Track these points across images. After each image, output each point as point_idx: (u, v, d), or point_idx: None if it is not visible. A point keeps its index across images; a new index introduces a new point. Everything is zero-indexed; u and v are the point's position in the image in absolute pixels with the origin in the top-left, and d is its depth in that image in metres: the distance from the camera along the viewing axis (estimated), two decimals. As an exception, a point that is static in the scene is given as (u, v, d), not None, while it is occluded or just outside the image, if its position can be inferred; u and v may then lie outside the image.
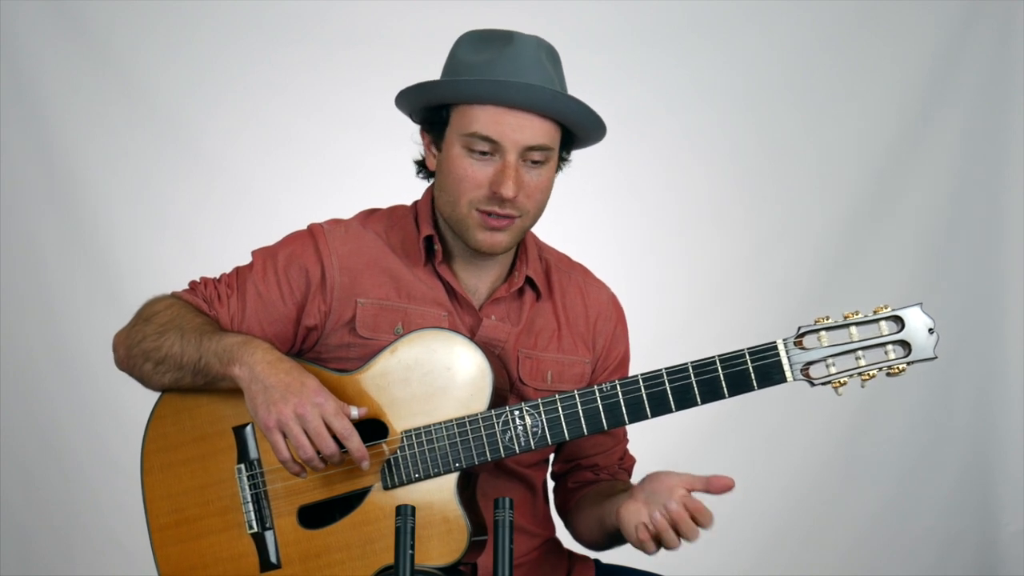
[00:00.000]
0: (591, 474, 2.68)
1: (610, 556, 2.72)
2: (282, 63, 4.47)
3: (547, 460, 2.70)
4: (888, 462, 4.58)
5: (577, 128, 2.50)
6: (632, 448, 2.79)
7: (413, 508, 2.05)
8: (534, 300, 2.61)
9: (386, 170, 2.74)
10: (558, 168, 2.54)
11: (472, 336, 2.51)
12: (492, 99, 2.39)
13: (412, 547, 2.03)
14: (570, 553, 2.72)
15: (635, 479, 2.75)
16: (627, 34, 4.57)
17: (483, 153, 2.42)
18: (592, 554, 2.72)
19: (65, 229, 4.38)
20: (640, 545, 2.38)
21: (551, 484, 2.77)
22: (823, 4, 4.55)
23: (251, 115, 4.46)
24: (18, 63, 4.32)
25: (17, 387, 4.34)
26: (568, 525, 2.72)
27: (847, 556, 4.55)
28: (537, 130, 2.42)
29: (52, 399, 4.37)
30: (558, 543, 2.72)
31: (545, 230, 2.79)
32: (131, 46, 4.41)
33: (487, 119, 2.40)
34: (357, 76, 4.39)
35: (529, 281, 2.60)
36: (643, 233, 4.57)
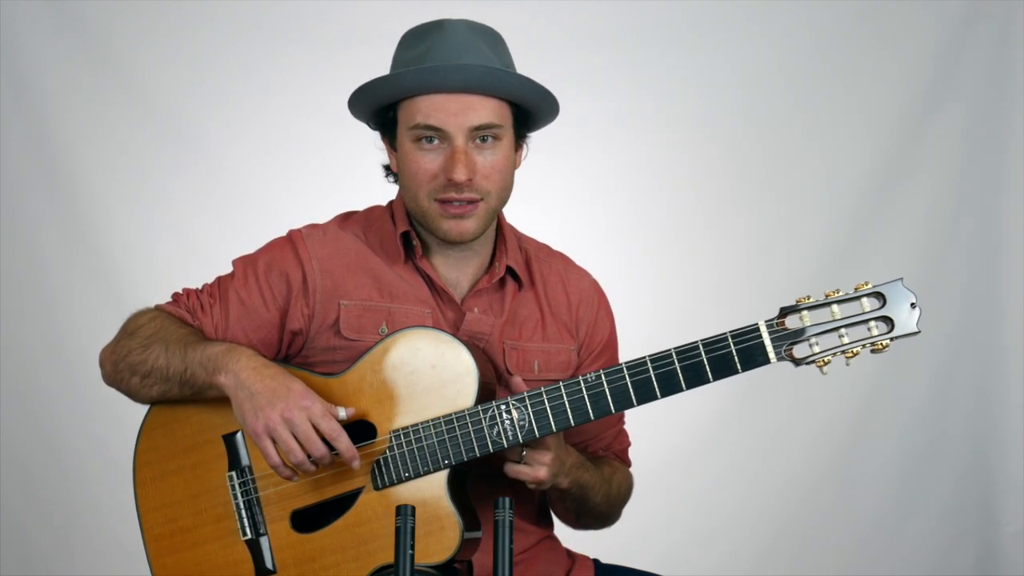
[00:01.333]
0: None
1: (610, 556, 2.72)
2: (282, 63, 4.47)
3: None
4: (888, 463, 4.58)
5: (523, 102, 2.50)
6: (633, 450, 2.78)
7: (413, 508, 2.05)
8: (516, 290, 2.62)
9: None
10: (519, 146, 2.55)
11: (456, 330, 2.52)
12: (424, 87, 2.41)
13: (412, 547, 2.03)
14: (569, 552, 2.71)
15: (634, 469, 2.77)
16: (627, 34, 4.57)
17: (430, 141, 2.44)
18: (591, 553, 2.72)
19: (65, 229, 4.38)
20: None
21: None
22: (823, 4, 4.54)
23: (251, 115, 4.47)
24: (18, 63, 4.33)
25: (17, 387, 4.34)
26: (549, 503, 2.71)
27: (847, 557, 4.55)
28: (480, 110, 2.43)
29: (52, 399, 4.37)
30: (556, 541, 2.71)
31: (542, 229, 2.79)
32: (131, 46, 4.42)
33: (428, 108, 2.42)
34: (357, 76, 4.36)
35: (510, 271, 2.60)
36: (641, 233, 4.57)
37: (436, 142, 2.44)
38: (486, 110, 2.43)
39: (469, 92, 2.42)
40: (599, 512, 2.64)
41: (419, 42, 2.46)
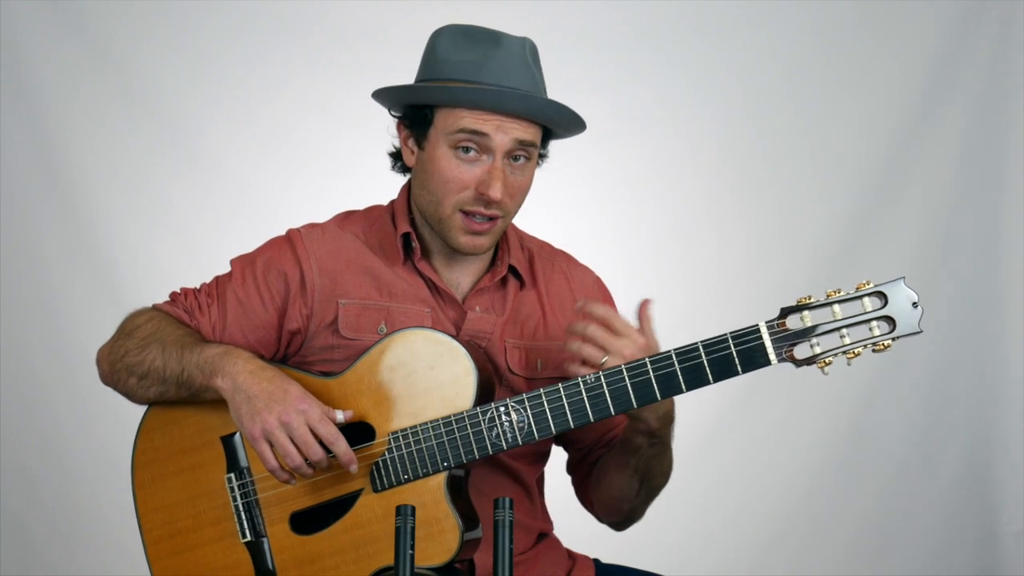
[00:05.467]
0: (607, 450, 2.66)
1: (610, 556, 2.72)
2: (282, 63, 4.47)
3: (541, 454, 2.68)
4: (888, 462, 4.58)
5: (559, 128, 2.51)
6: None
7: (413, 508, 2.04)
8: (518, 289, 2.61)
9: (386, 169, 2.73)
10: (539, 164, 2.55)
11: (458, 330, 2.52)
12: (485, 106, 2.40)
13: (412, 547, 2.03)
14: (569, 552, 2.70)
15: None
16: (627, 34, 4.57)
17: (467, 150, 2.42)
18: (592, 553, 2.71)
19: (65, 229, 4.38)
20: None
21: (554, 471, 2.75)
22: (823, 4, 4.54)
23: (251, 115, 4.47)
24: (18, 63, 4.33)
25: (17, 387, 4.35)
26: (595, 498, 2.67)
27: (847, 556, 4.55)
28: (525, 129, 2.43)
29: (52, 399, 4.37)
30: (557, 541, 2.71)
31: (542, 230, 2.79)
32: (131, 46, 4.42)
33: (475, 117, 2.41)
34: (357, 76, 4.37)
35: (512, 270, 2.60)
36: (642, 233, 4.57)
37: (474, 153, 2.43)
38: (528, 131, 2.44)
39: (520, 118, 2.42)
40: (657, 483, 2.59)
41: (472, 46, 2.44)
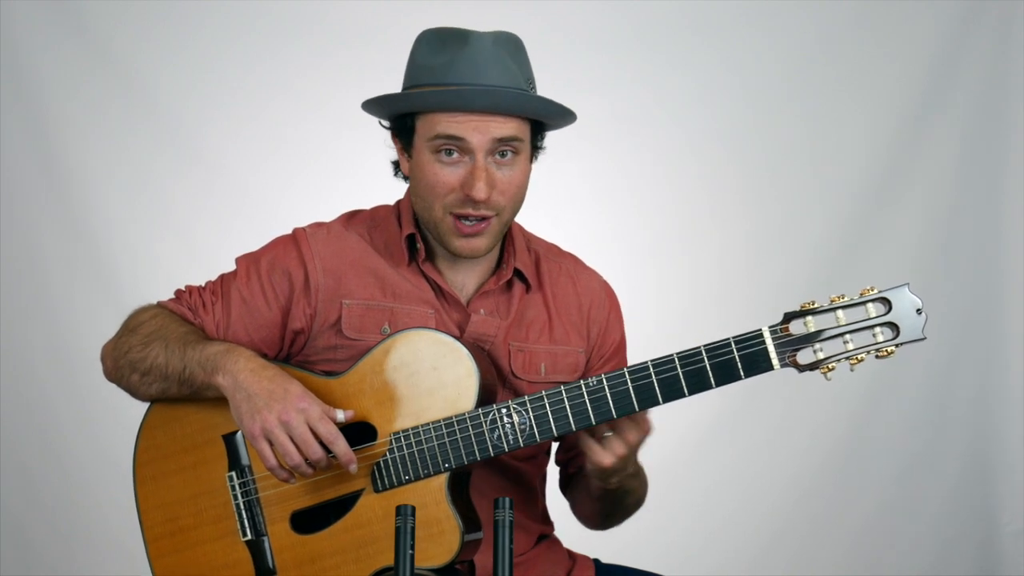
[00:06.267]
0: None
1: (610, 556, 2.72)
2: (282, 63, 4.47)
3: (544, 454, 2.69)
4: (887, 462, 4.58)
5: (544, 119, 2.49)
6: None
7: (413, 508, 2.05)
8: (523, 292, 2.60)
9: (385, 170, 2.73)
10: (534, 158, 2.52)
11: (461, 332, 2.51)
12: (449, 107, 2.38)
13: (412, 547, 2.03)
14: (569, 552, 2.71)
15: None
16: (627, 34, 4.56)
17: (449, 153, 2.40)
18: (592, 553, 2.72)
19: (65, 229, 4.39)
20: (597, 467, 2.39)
21: (555, 471, 2.76)
22: (823, 4, 4.54)
23: (251, 115, 4.46)
24: (18, 63, 4.33)
25: (17, 387, 4.35)
26: (571, 505, 2.71)
27: (847, 556, 4.55)
28: (503, 125, 2.40)
29: (52, 399, 4.37)
30: (557, 541, 2.71)
31: (542, 231, 2.78)
32: (131, 46, 4.42)
33: (450, 120, 2.39)
34: (357, 76, 4.38)
35: (518, 273, 2.59)
36: (642, 233, 4.57)
37: (456, 155, 2.41)
38: (509, 125, 2.40)
39: (494, 114, 2.39)
40: (625, 516, 2.62)
41: (442, 49, 2.41)
